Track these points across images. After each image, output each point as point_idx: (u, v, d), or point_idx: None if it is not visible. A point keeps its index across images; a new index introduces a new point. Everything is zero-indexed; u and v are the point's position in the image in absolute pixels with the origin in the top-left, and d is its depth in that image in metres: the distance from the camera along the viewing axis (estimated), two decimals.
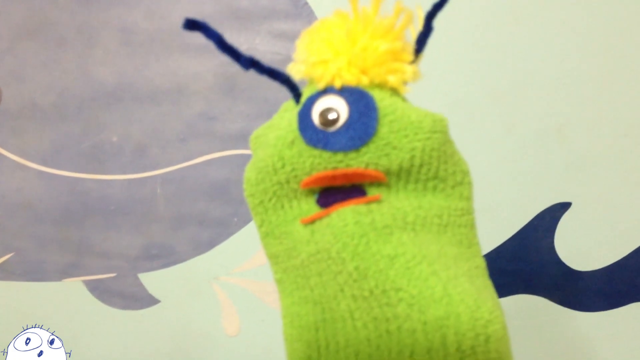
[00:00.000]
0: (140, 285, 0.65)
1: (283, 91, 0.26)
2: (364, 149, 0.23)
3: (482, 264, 0.26)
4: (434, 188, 0.25)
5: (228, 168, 0.61)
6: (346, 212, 0.24)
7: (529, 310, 0.63)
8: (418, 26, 0.25)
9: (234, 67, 0.67)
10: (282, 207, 0.26)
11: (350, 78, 0.24)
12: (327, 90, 0.24)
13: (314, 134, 0.24)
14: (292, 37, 0.59)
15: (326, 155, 0.24)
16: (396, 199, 0.25)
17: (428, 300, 0.21)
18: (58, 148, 0.62)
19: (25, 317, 0.65)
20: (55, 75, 0.60)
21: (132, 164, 0.62)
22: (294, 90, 0.25)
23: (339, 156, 0.24)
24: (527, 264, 0.62)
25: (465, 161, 0.26)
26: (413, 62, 0.25)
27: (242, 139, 0.61)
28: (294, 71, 0.25)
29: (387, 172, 0.24)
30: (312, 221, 0.25)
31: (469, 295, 0.22)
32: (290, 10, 0.58)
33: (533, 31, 0.57)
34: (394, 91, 0.25)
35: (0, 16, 0.59)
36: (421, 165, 0.24)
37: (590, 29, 0.57)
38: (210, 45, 0.25)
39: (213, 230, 0.63)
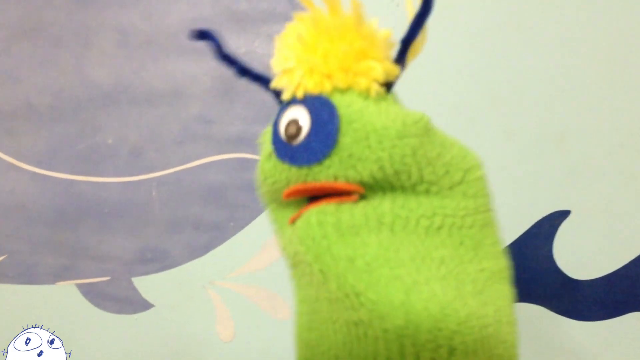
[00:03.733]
0: (134, 289, 0.64)
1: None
2: (327, 162, 0.22)
3: (493, 266, 0.23)
4: (427, 191, 0.23)
5: (225, 172, 0.61)
6: (311, 213, 0.22)
7: (527, 319, 0.63)
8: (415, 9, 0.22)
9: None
10: (282, 207, 0.26)
11: (312, 86, 0.23)
12: (292, 101, 0.23)
13: (282, 148, 0.23)
14: None
15: (294, 169, 0.23)
16: (378, 200, 0.23)
17: (387, 307, 0.20)
18: (53, 149, 0.61)
19: (18, 319, 0.64)
20: (50, 76, 0.60)
21: (127, 167, 0.61)
22: (278, 98, 0.24)
23: (304, 170, 0.22)
24: (525, 272, 0.62)
25: (469, 157, 0.24)
26: (406, 52, 0.23)
27: (239, 142, 0.60)
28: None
29: (361, 183, 0.22)
30: (293, 222, 0.24)
31: (435, 303, 0.20)
32: (290, 13, 0.58)
33: (534, 37, 0.57)
34: (368, 94, 0.23)
35: None
36: (397, 173, 0.22)
37: (591, 36, 0.57)
38: (207, 47, 0.24)
39: (208, 234, 0.63)
